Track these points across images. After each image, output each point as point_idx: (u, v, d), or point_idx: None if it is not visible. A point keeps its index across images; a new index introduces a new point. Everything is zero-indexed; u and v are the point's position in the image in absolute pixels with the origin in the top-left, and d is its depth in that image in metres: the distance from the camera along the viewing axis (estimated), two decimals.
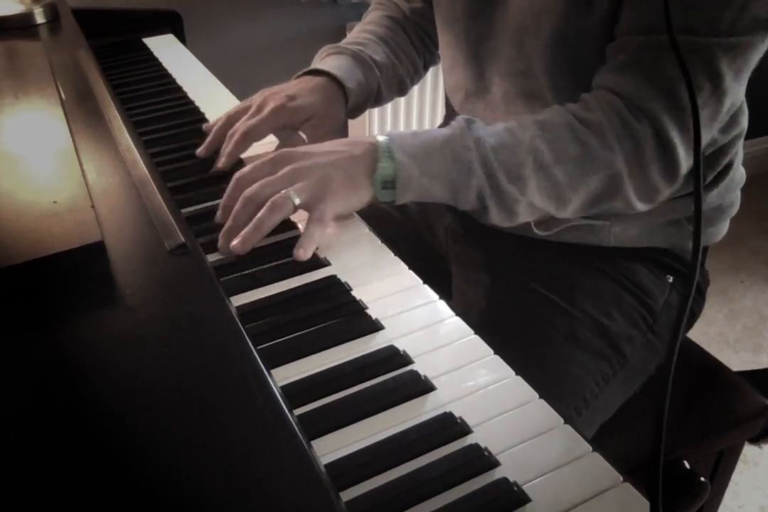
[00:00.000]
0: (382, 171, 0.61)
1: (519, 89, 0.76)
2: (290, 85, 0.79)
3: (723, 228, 0.83)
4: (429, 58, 0.98)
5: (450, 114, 0.92)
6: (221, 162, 0.72)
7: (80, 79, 0.82)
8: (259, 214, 0.59)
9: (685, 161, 0.64)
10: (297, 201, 0.59)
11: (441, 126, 0.98)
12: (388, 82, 0.88)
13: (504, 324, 0.72)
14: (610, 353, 0.73)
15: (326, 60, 0.84)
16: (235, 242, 0.59)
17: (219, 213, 0.64)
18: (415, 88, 1.68)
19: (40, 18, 0.97)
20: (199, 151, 0.75)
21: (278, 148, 0.76)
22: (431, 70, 1.65)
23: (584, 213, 0.68)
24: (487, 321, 0.72)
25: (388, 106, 1.69)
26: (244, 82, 1.53)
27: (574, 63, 0.70)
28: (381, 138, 0.63)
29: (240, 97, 0.94)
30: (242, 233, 0.59)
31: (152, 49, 1.12)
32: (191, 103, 0.91)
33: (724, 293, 1.82)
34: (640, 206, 0.66)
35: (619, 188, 0.64)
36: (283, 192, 0.59)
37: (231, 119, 0.75)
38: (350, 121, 1.75)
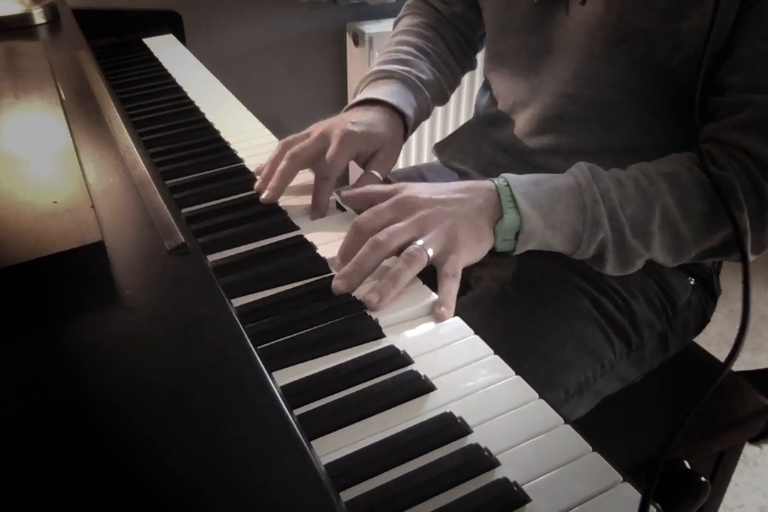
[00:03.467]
0: (508, 223, 0.60)
1: (566, 111, 0.75)
2: (344, 115, 0.74)
3: None
4: (467, 63, 0.97)
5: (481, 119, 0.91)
6: (267, 195, 0.67)
7: (80, 79, 0.82)
8: (396, 267, 0.56)
9: None
10: (431, 252, 0.57)
11: (460, 130, 0.96)
12: (435, 98, 0.86)
13: (531, 291, 0.72)
14: (630, 332, 0.74)
15: (376, 86, 0.79)
16: (371, 295, 0.55)
17: (337, 259, 0.60)
18: None
19: (40, 18, 0.98)
20: (257, 185, 0.69)
21: (357, 185, 0.70)
22: None
23: (695, 261, 0.68)
24: (513, 289, 0.72)
25: None
26: (244, 82, 1.55)
27: (638, 97, 0.70)
28: (500, 182, 0.61)
29: (239, 97, 0.94)
30: (378, 286, 0.56)
31: (152, 49, 1.13)
32: (191, 103, 0.91)
33: (724, 293, 1.80)
34: (752, 258, 0.66)
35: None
36: (418, 243, 0.57)
37: (287, 148, 0.69)
38: None
